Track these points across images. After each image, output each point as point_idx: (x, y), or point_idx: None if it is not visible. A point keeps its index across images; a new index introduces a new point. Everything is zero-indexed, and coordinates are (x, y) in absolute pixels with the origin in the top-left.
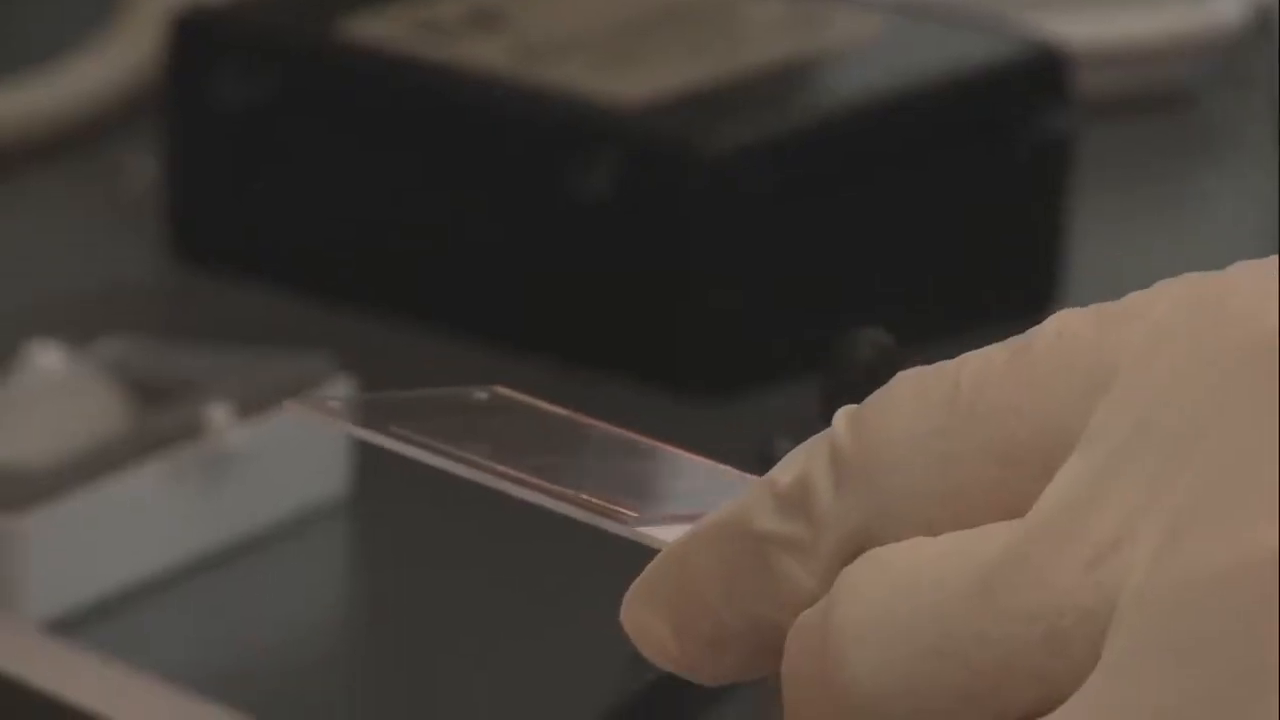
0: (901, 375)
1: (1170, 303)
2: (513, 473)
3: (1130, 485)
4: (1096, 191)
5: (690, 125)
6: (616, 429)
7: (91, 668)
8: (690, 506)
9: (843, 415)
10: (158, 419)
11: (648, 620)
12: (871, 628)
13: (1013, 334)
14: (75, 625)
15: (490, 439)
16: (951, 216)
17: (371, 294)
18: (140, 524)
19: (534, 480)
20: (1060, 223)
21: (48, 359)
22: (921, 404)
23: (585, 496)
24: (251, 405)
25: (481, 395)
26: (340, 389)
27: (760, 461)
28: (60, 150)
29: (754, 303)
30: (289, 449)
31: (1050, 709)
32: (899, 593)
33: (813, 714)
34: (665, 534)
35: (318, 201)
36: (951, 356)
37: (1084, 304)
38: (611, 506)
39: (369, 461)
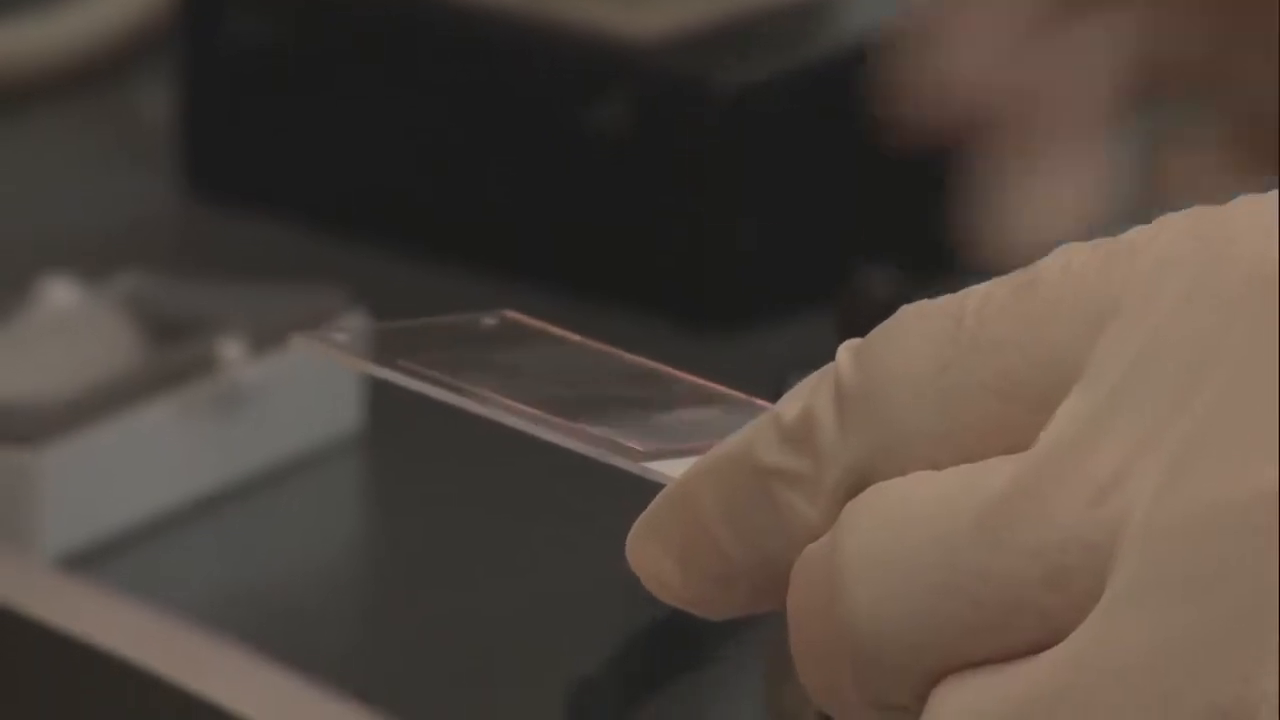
0: (905, 309)
1: (1173, 237)
2: (521, 407)
3: (1132, 420)
4: None
5: (707, 61)
6: (627, 355)
7: (104, 604)
8: (700, 438)
9: (846, 349)
10: (171, 354)
11: (653, 556)
12: (875, 562)
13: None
14: (88, 561)
15: (499, 369)
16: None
17: (386, 229)
18: (153, 459)
19: (542, 415)
20: None
21: (61, 294)
22: (924, 338)
23: (593, 431)
24: (265, 340)
25: (490, 321)
26: (354, 323)
27: (774, 396)
28: (75, 86)
29: (769, 237)
30: (302, 383)
31: (1053, 644)
32: (902, 527)
33: (817, 647)
34: (672, 469)
35: (331, 136)
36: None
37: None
38: (619, 441)
39: (383, 395)
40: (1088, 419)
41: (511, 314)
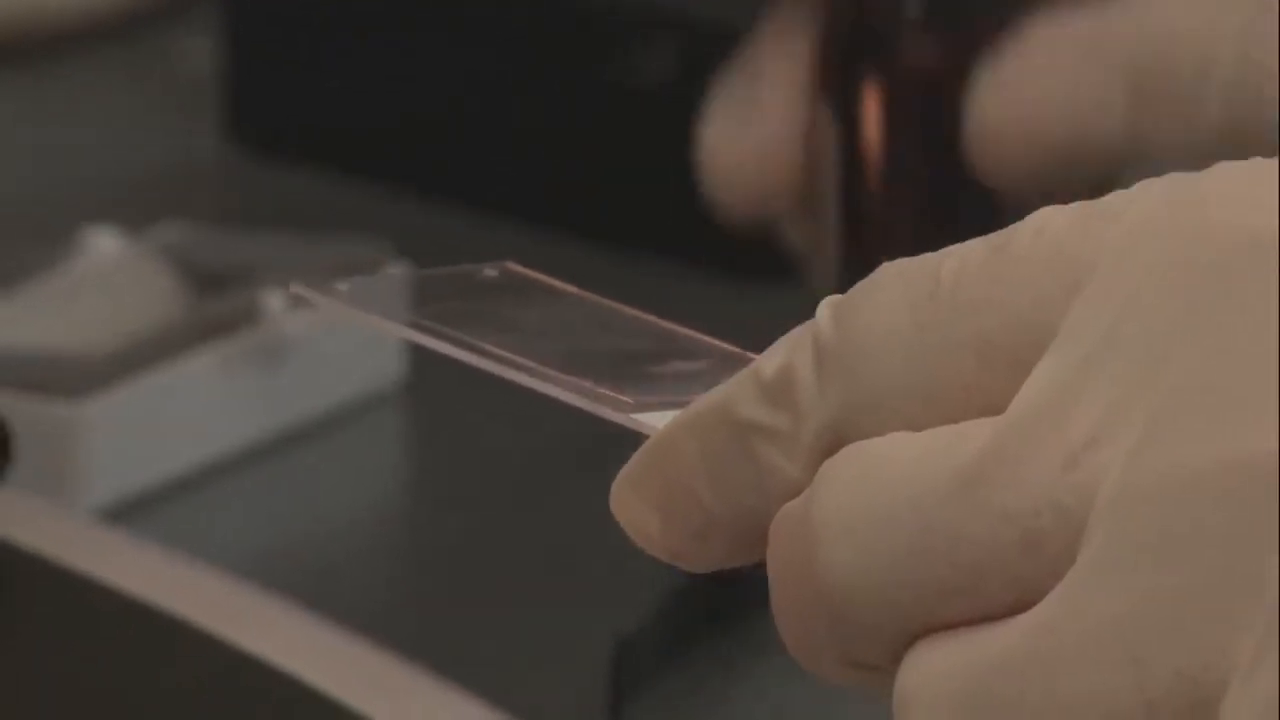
0: (885, 266)
1: (1151, 202)
2: (515, 359)
3: (1106, 386)
4: None
5: (746, 9)
6: (626, 308)
7: (146, 556)
8: (691, 391)
9: (826, 305)
10: (213, 306)
11: (634, 507)
12: (851, 521)
13: None
14: (130, 514)
15: (497, 321)
16: None
17: (428, 178)
18: (195, 411)
19: (535, 367)
20: None
21: (103, 244)
22: (902, 296)
23: (583, 384)
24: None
25: (491, 272)
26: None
27: None
28: (117, 34)
29: None
30: (344, 335)
31: (1027, 608)
32: (878, 487)
33: (795, 604)
34: (660, 421)
35: (373, 85)
36: None
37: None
38: (608, 393)
39: (426, 348)
40: (1062, 383)
41: (513, 265)
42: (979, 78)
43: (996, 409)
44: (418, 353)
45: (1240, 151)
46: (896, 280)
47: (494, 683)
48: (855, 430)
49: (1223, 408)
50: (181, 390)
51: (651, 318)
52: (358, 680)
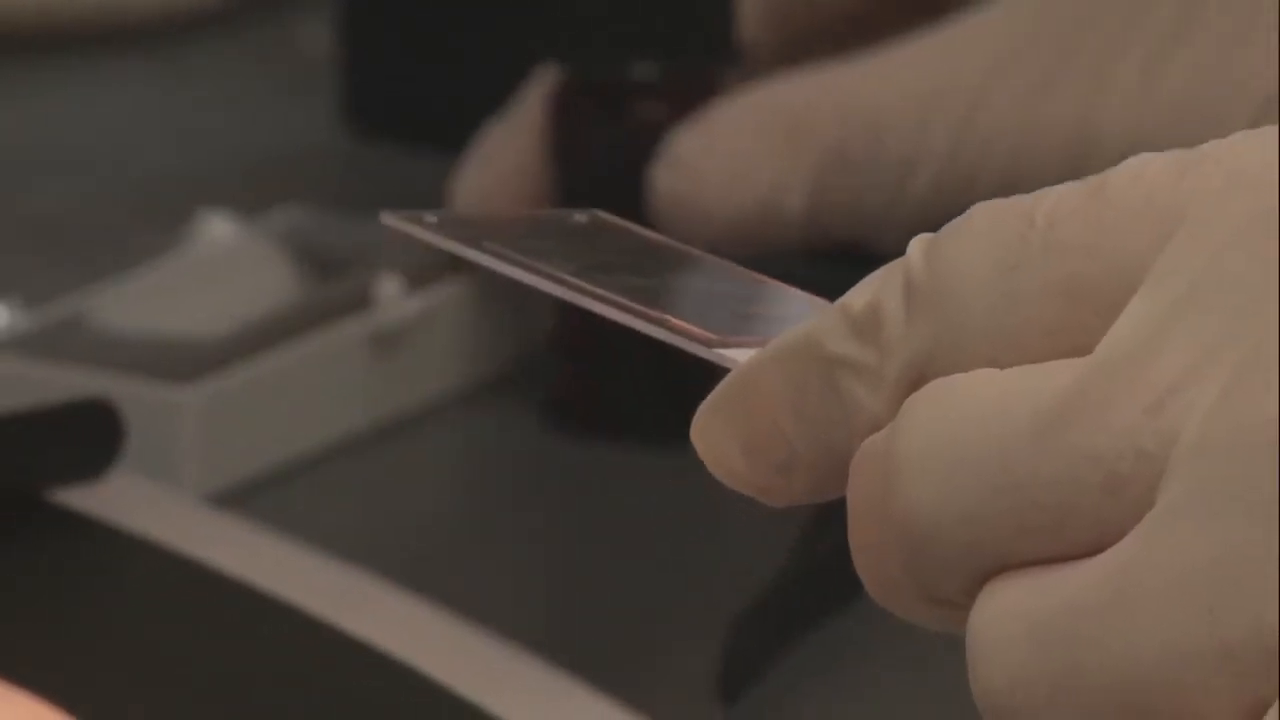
0: (978, 206)
1: (1245, 153)
2: (598, 291)
3: (1194, 330)
4: None
5: None
6: (710, 255)
7: (254, 541)
8: (770, 330)
9: (918, 243)
10: (326, 291)
11: (717, 440)
12: (933, 458)
13: None
14: (240, 498)
15: (582, 259)
16: None
17: None
18: (306, 397)
19: (618, 299)
20: None
21: (219, 229)
22: (995, 236)
23: (668, 318)
24: (420, 277)
25: (581, 218)
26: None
27: None
28: (235, 19)
29: None
30: (457, 322)
31: (1104, 549)
32: (962, 425)
33: (873, 538)
34: (741, 356)
35: (487, 71)
36: None
37: None
38: (692, 328)
39: (536, 335)
40: (1149, 328)
41: (602, 213)
42: (663, 149)
43: (1084, 351)
44: (529, 339)
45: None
46: (989, 220)
47: (606, 671)
48: (941, 367)
49: None
50: (292, 376)
51: (738, 266)
52: (465, 666)
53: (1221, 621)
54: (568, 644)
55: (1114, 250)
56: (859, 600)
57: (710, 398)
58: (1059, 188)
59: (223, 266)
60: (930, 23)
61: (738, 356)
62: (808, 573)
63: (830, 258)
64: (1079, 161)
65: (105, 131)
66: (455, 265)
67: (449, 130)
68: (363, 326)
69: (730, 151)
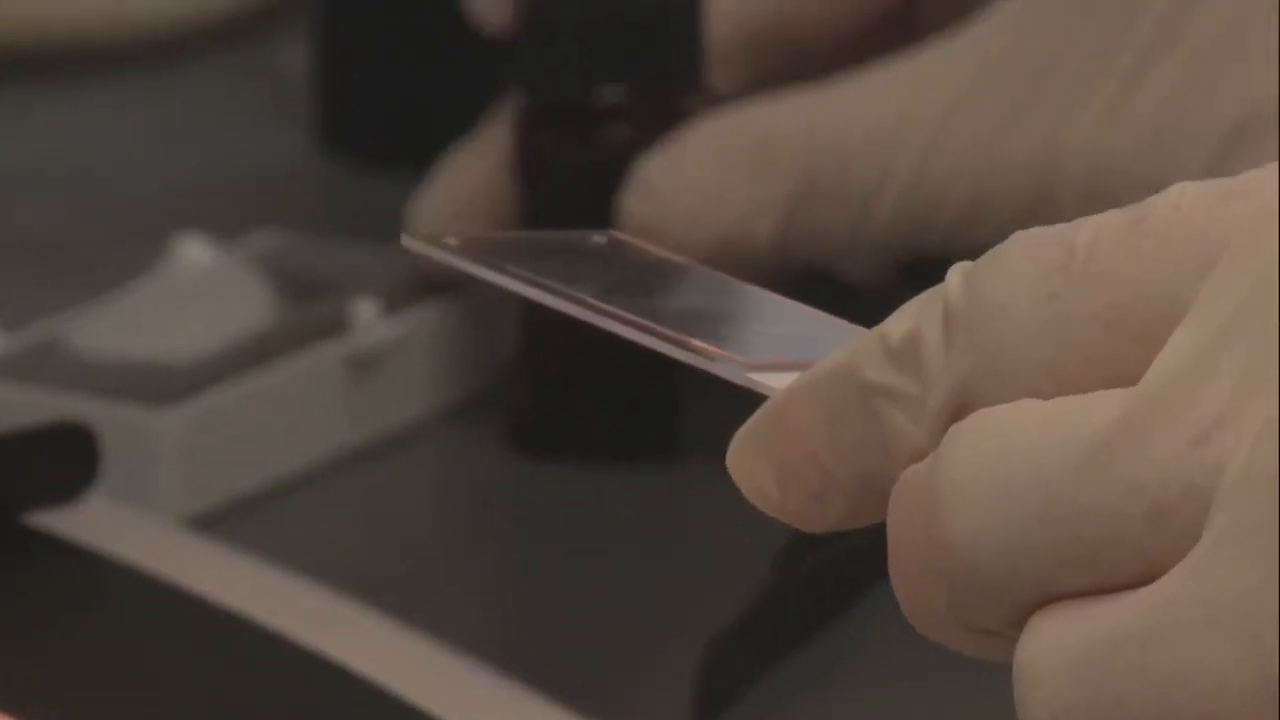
0: (1017, 235)
1: None
2: (629, 316)
3: (1239, 359)
4: None
5: None
6: (730, 277)
7: (232, 564)
8: (800, 353)
9: (957, 271)
10: (303, 314)
11: (753, 467)
12: (976, 489)
13: None
14: (217, 522)
15: (604, 281)
16: None
17: None
18: (284, 420)
19: (645, 323)
20: None
21: (195, 253)
22: (1035, 265)
23: (695, 342)
24: (397, 300)
25: (599, 239)
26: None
27: None
28: (214, 43)
29: None
30: (434, 345)
31: (1149, 581)
32: (1006, 456)
33: (914, 566)
34: (773, 380)
35: (467, 94)
36: None
37: None
38: (724, 353)
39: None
40: (1194, 359)
41: (619, 234)
42: (631, 175)
43: (1125, 381)
44: (502, 361)
45: (907, 251)
46: (1029, 249)
47: (582, 692)
48: (982, 397)
49: None
50: (269, 399)
51: (757, 287)
52: (445, 690)
53: (1267, 654)
54: (543, 666)
55: (1155, 280)
56: (837, 621)
57: (746, 425)
58: (1100, 216)
59: (199, 290)
60: (901, 45)
61: (769, 381)
62: (784, 594)
63: (795, 282)
64: (1043, 189)
65: (84, 154)
66: (431, 289)
67: (427, 154)
68: (339, 350)
69: (699, 179)
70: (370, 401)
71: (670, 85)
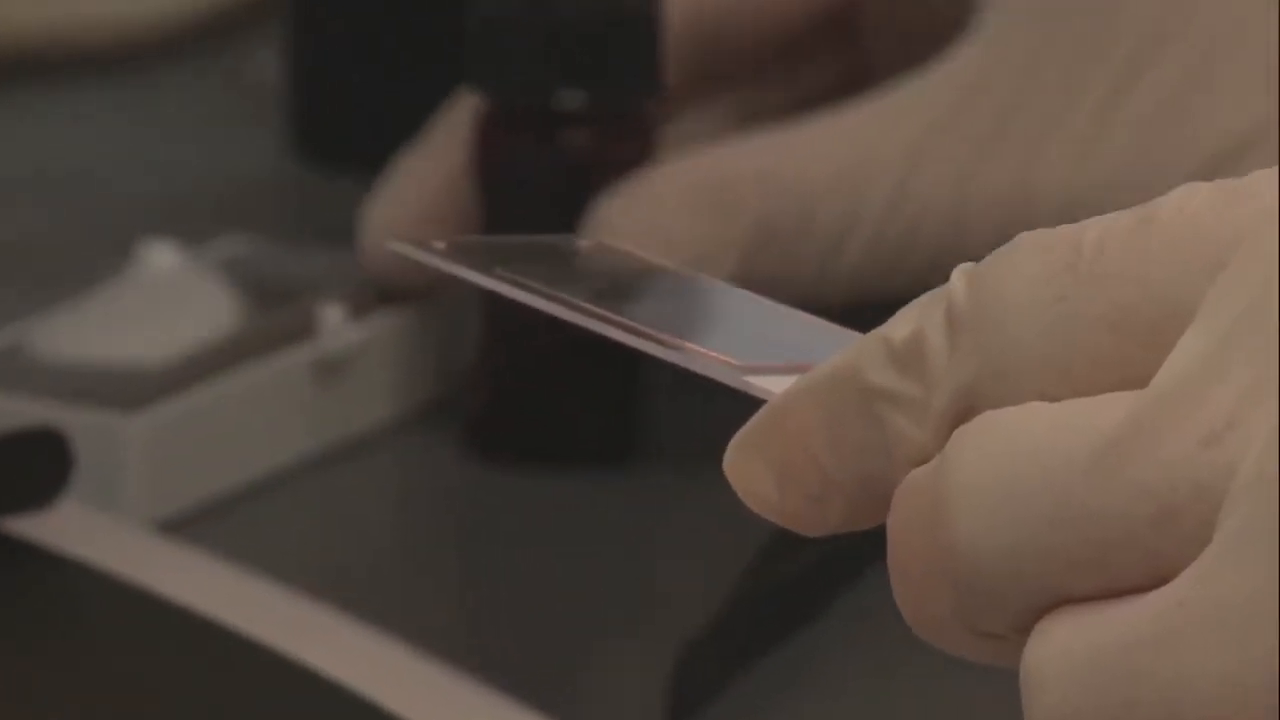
0: (1023, 236)
1: None
2: (617, 318)
3: (1249, 360)
4: None
5: None
6: (715, 280)
7: (204, 569)
8: (798, 356)
9: (960, 272)
10: (269, 319)
11: (751, 470)
12: (983, 491)
13: None
14: (184, 526)
15: (591, 285)
16: None
17: None
18: (250, 425)
19: (643, 329)
20: None
21: (160, 258)
22: (1042, 266)
23: (690, 345)
24: (363, 305)
25: (583, 244)
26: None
27: None
28: (186, 48)
29: None
30: (399, 349)
31: (1158, 584)
32: (1013, 458)
33: (917, 570)
34: (770, 384)
35: (438, 101)
36: None
37: None
38: (719, 356)
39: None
40: (1202, 361)
41: (605, 240)
42: (591, 215)
43: (1132, 382)
44: (468, 366)
45: (881, 288)
46: (1035, 250)
47: (552, 696)
48: (987, 399)
49: None
50: (236, 404)
51: (745, 291)
52: (413, 694)
53: (1277, 658)
54: (511, 668)
55: (1163, 281)
56: (811, 625)
57: (745, 428)
58: (1106, 217)
59: (165, 294)
60: (847, 53)
61: (766, 384)
62: (757, 597)
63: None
64: (1016, 225)
65: (55, 159)
66: (395, 294)
67: (397, 159)
68: (306, 355)
69: (657, 218)
70: (336, 406)
71: (629, 90)
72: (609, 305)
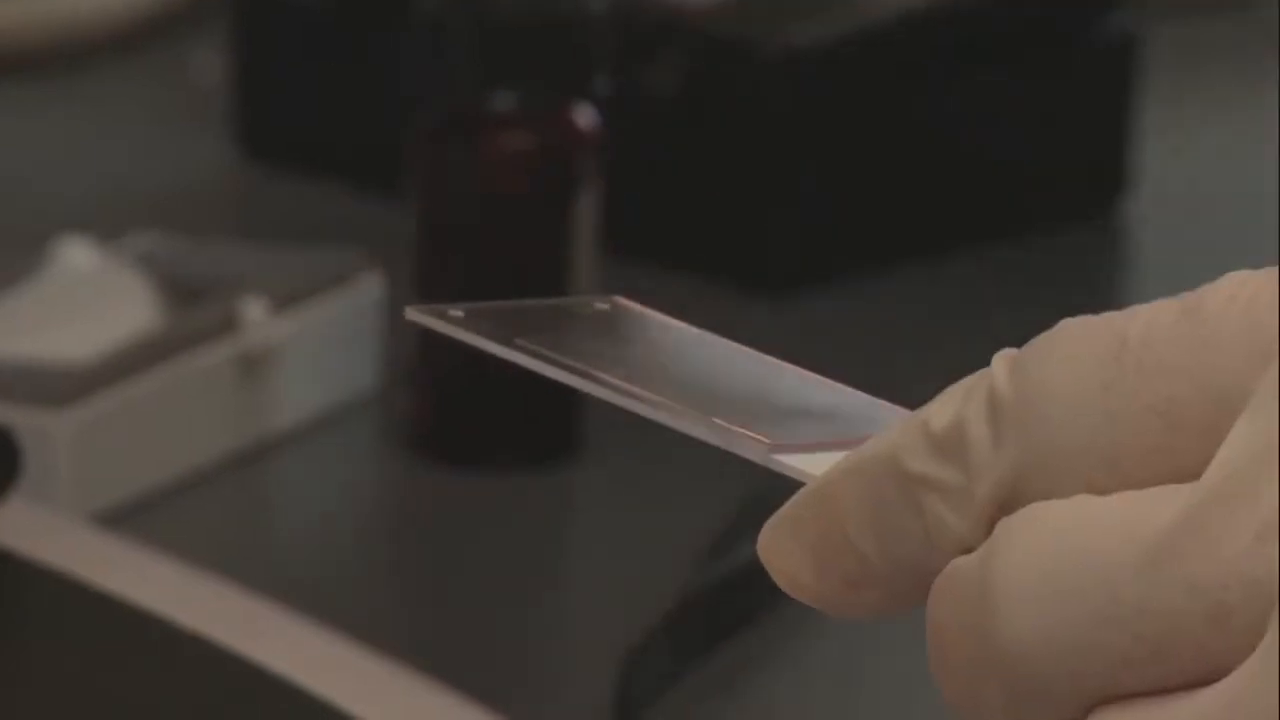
0: (1065, 323)
1: None
2: (647, 395)
3: None
4: (1161, 91)
5: (759, 25)
6: (735, 343)
7: (148, 564)
8: (822, 433)
9: (1002, 360)
10: (192, 315)
11: (787, 552)
12: (1033, 586)
13: (1080, 232)
14: (112, 522)
15: (614, 353)
16: (1017, 116)
17: None
18: (175, 420)
19: (668, 403)
20: (1127, 122)
21: (76, 255)
22: (1086, 356)
23: (720, 423)
24: (285, 301)
25: (602, 306)
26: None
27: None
28: (131, 47)
29: (814, 204)
30: (322, 344)
31: (1211, 681)
32: (1065, 554)
33: (961, 661)
34: (796, 461)
35: (382, 101)
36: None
37: (1149, 202)
38: (747, 434)
39: (398, 356)
40: (1255, 455)
41: (622, 300)
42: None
43: (1181, 473)
44: (391, 360)
45: None
46: (1079, 338)
47: (499, 694)
48: (1032, 489)
49: None
50: (162, 399)
51: (762, 354)
52: (353, 685)
53: None
54: (443, 657)
55: (1212, 372)
56: (758, 622)
57: (783, 510)
58: (1151, 305)
59: (87, 291)
60: None
61: (797, 463)
62: (703, 596)
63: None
64: None
65: None
66: (319, 288)
67: (340, 158)
68: (230, 349)
69: None
70: (260, 401)
71: (562, 92)
72: (631, 374)
